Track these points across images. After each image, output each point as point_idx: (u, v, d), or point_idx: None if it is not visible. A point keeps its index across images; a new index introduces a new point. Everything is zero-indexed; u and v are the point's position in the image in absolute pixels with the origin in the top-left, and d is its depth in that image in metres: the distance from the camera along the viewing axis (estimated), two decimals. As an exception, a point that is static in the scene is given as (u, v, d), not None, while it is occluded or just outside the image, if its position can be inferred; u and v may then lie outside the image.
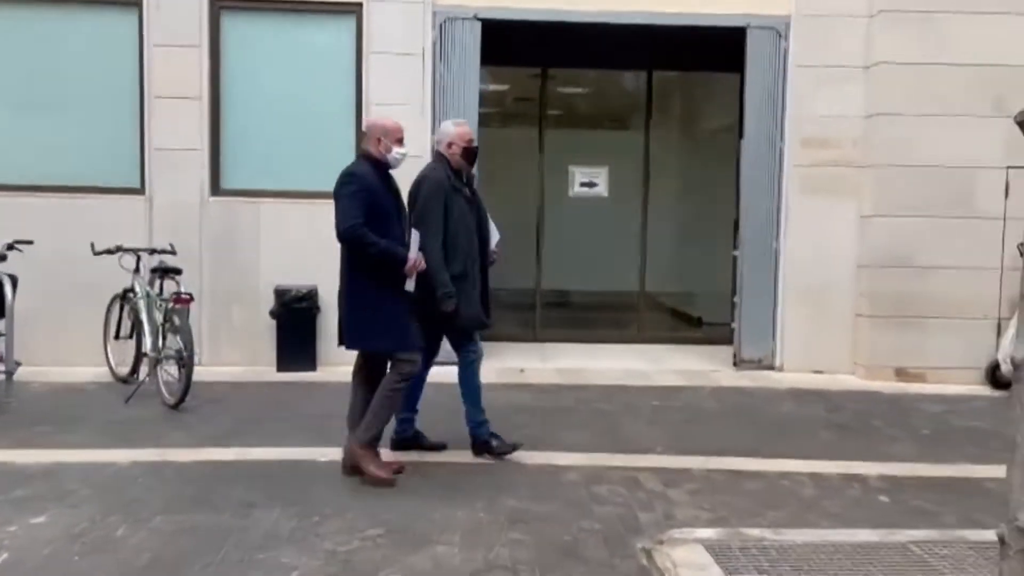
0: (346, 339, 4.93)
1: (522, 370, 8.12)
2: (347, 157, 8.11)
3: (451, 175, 5.14)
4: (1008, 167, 7.69)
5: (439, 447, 5.44)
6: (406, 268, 4.73)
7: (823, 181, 8.22)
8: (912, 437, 6.28)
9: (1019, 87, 7.37)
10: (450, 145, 5.19)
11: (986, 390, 7.89)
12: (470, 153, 5.25)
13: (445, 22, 8.04)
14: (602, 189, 9.97)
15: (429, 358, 5.35)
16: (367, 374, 5.02)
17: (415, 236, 4.82)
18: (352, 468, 4.90)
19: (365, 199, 4.65)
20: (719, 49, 8.60)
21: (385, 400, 4.87)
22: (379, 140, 4.85)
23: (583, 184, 9.95)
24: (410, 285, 4.80)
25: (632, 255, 10.11)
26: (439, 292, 4.97)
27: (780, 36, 8.16)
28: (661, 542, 3.96)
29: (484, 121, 8.16)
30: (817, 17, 8.14)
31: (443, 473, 5.10)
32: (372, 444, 4.89)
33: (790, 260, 8.30)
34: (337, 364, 7.93)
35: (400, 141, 4.88)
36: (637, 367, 8.42)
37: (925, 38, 7.88)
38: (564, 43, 8.97)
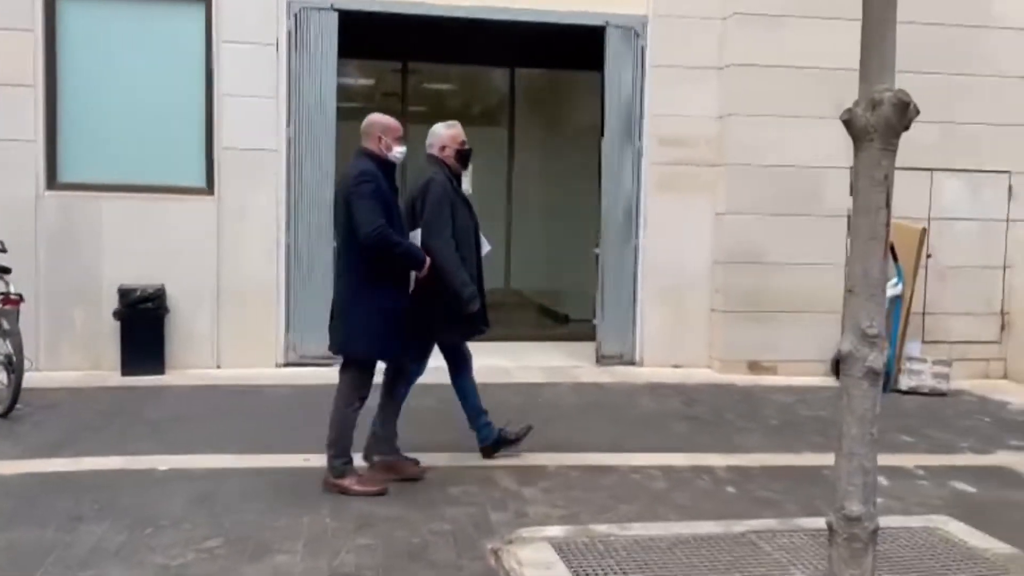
0: (336, 342, 4.73)
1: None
2: (195, 151, 7.91)
3: (451, 178, 5.07)
4: (852, 167, 8.03)
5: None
6: (424, 269, 4.72)
7: (680, 180, 8.40)
8: (762, 428, 6.47)
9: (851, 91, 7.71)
10: (443, 148, 5.10)
11: (832, 381, 8.22)
12: (463, 155, 5.16)
13: (301, 11, 7.79)
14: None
15: (420, 364, 5.21)
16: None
17: (417, 236, 4.79)
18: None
19: (381, 198, 4.54)
20: (581, 47, 8.67)
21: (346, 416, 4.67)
22: (379, 138, 4.69)
23: (447, 181, 9.86)
24: (411, 286, 4.77)
25: (497, 253, 10.08)
26: (465, 293, 4.87)
27: (637, 36, 8.29)
28: (510, 542, 3.90)
29: (343, 115, 7.94)
30: (673, 18, 8.31)
31: (291, 478, 4.91)
32: (348, 467, 4.69)
33: (649, 257, 8.45)
34: (187, 367, 7.62)
35: (400, 139, 4.74)
36: (500, 364, 8.37)
37: (774, 41, 8.16)
38: (425, 38, 8.87)
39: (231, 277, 7.74)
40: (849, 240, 3.21)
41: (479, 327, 5.15)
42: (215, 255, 7.68)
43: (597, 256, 8.63)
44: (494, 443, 5.31)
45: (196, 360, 7.67)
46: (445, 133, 5.13)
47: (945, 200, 8.44)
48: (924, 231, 7.90)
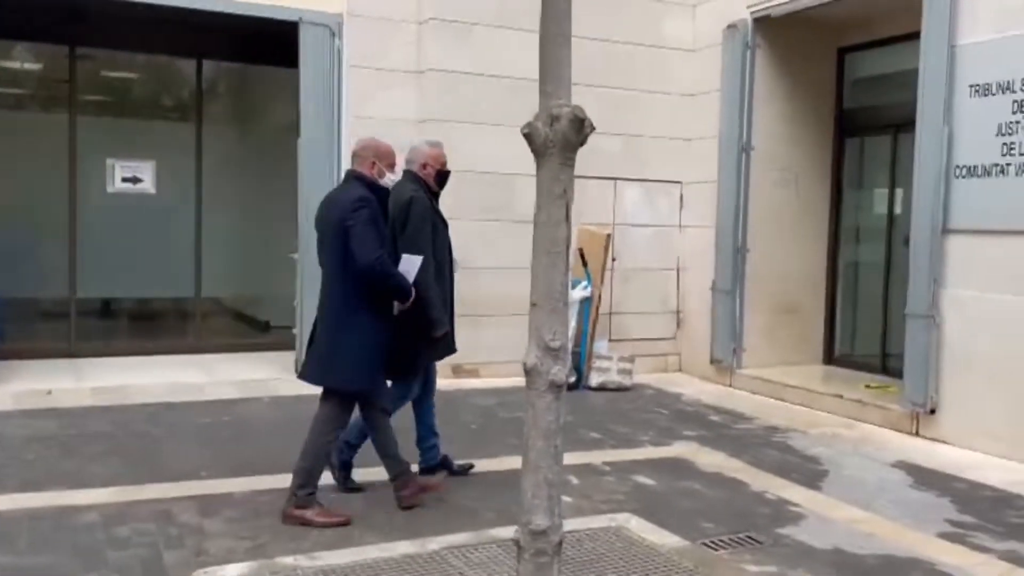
0: (321, 376, 4.55)
1: (49, 392, 7.07)
2: None
3: (431, 197, 4.98)
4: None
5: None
6: (408, 302, 4.60)
7: (380, 183, 8.25)
8: (462, 432, 6.48)
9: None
10: (424, 166, 5.02)
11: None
12: (443, 176, 5.09)
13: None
14: (148, 185, 9.10)
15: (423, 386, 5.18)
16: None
17: (415, 261, 4.62)
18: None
19: (377, 226, 4.42)
20: (276, 42, 8.25)
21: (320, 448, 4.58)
22: (373, 163, 4.57)
23: (125, 179, 9.00)
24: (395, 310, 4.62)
25: (186, 257, 9.38)
26: (434, 315, 4.77)
27: (334, 34, 8.03)
28: (185, 586, 3.53)
29: (6, 102, 6.94)
30: (368, 18, 8.15)
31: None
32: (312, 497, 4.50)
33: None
34: None
35: (392, 167, 4.63)
36: (191, 380, 7.78)
37: (469, 48, 8.26)
38: (96, 21, 8.01)
39: None
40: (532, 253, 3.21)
41: (452, 348, 5.09)
42: None
43: (295, 261, 8.27)
44: (433, 468, 5.21)
45: None
46: (428, 151, 5.06)
47: (627, 207, 9.02)
48: (609, 236, 8.37)
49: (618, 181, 8.81)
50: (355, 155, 4.65)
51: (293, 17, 7.89)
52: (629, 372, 8.36)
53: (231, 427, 6.40)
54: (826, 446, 6.46)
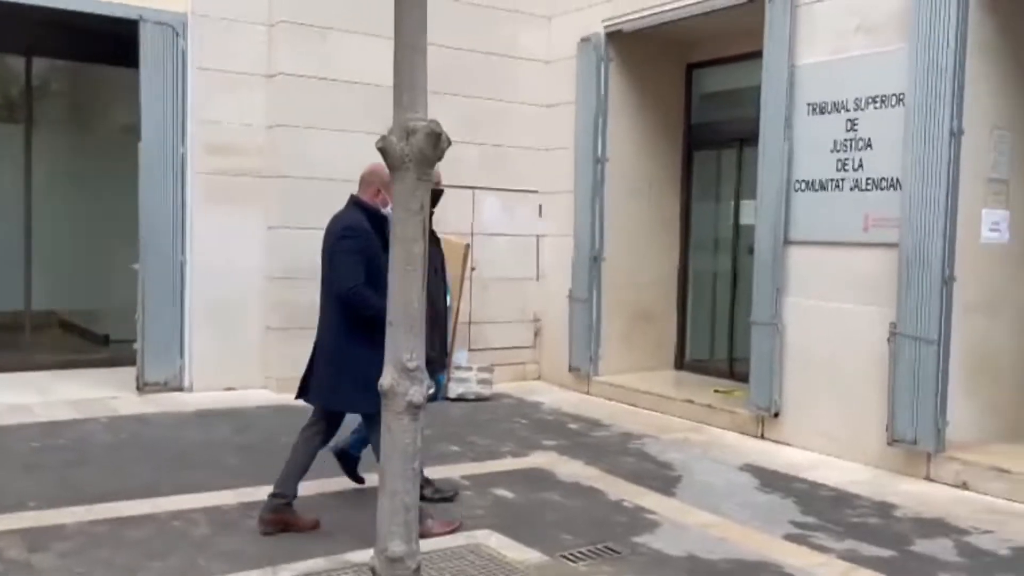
0: (327, 397, 4.56)
1: None
2: None
3: None
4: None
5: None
6: None
7: (230, 190, 7.94)
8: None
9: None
10: None
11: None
12: (436, 195, 4.71)
13: None
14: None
15: None
16: (323, 432, 4.68)
17: None
18: (273, 523, 4.51)
19: (364, 254, 4.38)
20: (116, 41, 7.80)
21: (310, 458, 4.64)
22: (378, 191, 4.54)
23: (-57, 184, 8.31)
24: None
25: (15, 268, 8.73)
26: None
27: (177, 35, 7.66)
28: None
29: None
30: (215, 19, 7.83)
31: None
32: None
33: (197, 273, 7.87)
34: None
35: None
36: (19, 401, 7.23)
37: (321, 53, 8.05)
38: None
39: None
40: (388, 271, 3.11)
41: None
42: None
43: (137, 272, 7.82)
44: (340, 453, 5.24)
45: None
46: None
47: (485, 217, 9.01)
48: (468, 246, 8.31)
49: (476, 190, 8.80)
50: (361, 180, 4.64)
51: (133, 15, 7.49)
52: (489, 382, 8.35)
53: (64, 451, 5.96)
54: (679, 451, 6.63)
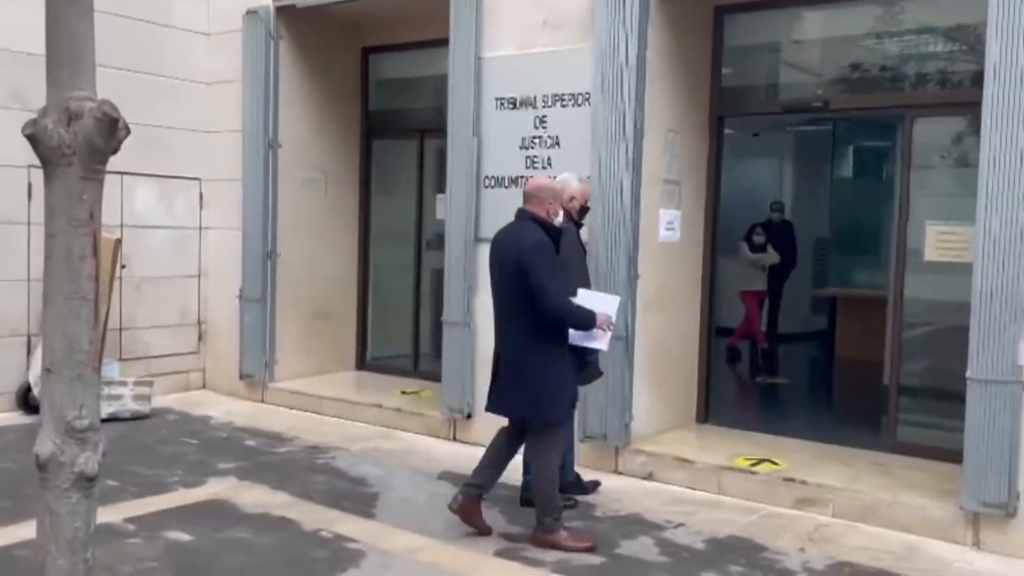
0: (545, 412, 4.66)
1: None
2: None
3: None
4: (30, 166, 6.88)
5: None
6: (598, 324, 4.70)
7: None
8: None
9: (40, 78, 6.61)
10: (571, 199, 5.18)
11: (19, 416, 7.04)
12: (583, 212, 5.36)
13: None
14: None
15: None
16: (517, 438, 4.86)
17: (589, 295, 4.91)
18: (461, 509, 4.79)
19: (556, 266, 4.57)
20: None
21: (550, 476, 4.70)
22: (550, 204, 4.67)
23: None
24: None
25: None
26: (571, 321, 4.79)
27: None
28: None
29: None
30: None
31: None
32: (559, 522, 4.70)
33: None
34: None
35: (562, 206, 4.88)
36: None
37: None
38: None
39: None
40: (43, 300, 2.33)
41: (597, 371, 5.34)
42: None
43: None
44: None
45: None
46: (577, 187, 5.28)
47: (138, 207, 7.89)
48: (119, 241, 7.19)
49: (126, 176, 7.63)
50: (530, 196, 4.68)
51: None
52: (147, 397, 7.30)
53: None
54: (372, 463, 6.21)
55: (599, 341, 4.84)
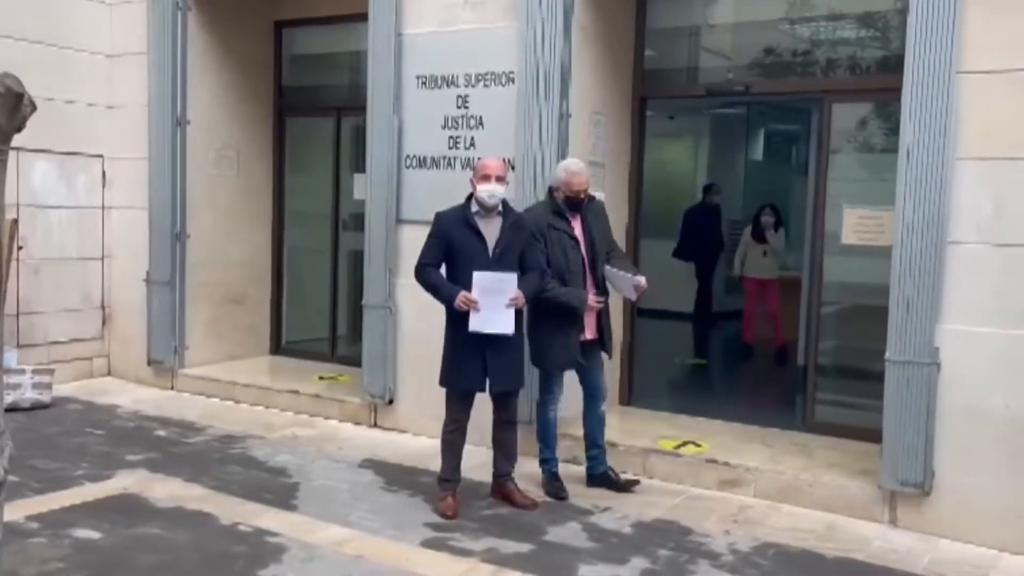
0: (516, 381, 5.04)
1: None
2: None
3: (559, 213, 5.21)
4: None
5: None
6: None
7: None
8: None
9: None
10: (556, 188, 5.23)
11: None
12: (574, 201, 5.24)
13: None
14: None
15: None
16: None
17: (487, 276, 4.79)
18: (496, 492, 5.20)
19: (436, 238, 4.96)
20: None
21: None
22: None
23: None
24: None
25: None
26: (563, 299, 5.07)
27: None
28: None
29: None
30: None
31: None
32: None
33: None
34: None
35: (486, 178, 4.89)
36: None
37: None
38: None
39: None
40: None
41: (572, 360, 5.29)
42: None
43: None
44: (593, 477, 5.47)
45: None
46: (562, 178, 5.20)
47: (35, 185, 7.45)
48: (15, 222, 6.79)
49: (22, 152, 7.18)
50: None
51: None
52: (48, 386, 6.93)
53: None
54: (290, 452, 6.02)
55: (491, 325, 4.73)
